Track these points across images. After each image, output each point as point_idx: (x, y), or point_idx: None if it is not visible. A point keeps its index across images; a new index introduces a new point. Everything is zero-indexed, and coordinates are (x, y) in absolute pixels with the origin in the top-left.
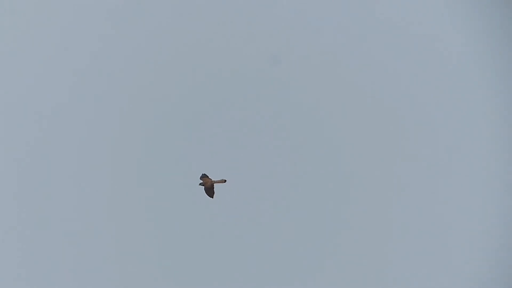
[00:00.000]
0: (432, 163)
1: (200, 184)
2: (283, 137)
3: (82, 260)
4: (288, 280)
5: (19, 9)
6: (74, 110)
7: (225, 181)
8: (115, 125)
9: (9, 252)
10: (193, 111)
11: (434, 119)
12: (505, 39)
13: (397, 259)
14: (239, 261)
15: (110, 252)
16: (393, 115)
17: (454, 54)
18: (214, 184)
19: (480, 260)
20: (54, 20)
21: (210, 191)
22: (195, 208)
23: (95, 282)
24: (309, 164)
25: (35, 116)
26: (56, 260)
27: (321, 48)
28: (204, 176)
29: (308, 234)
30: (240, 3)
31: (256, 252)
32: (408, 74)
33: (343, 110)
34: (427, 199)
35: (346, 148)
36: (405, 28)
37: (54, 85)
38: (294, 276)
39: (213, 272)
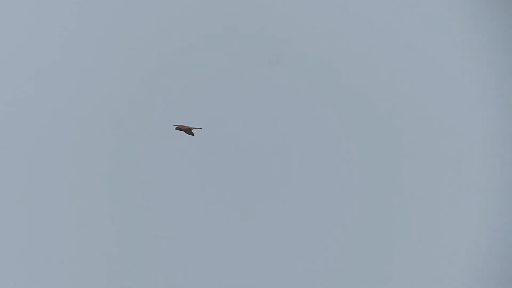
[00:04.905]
0: (434, 164)
1: (176, 128)
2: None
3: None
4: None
5: None
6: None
7: (201, 128)
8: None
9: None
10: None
11: (432, 120)
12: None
13: (398, 259)
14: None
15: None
16: (393, 115)
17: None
18: (192, 130)
19: (480, 259)
20: None
21: (188, 132)
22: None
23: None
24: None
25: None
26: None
27: (321, 48)
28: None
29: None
30: (240, 3)
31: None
32: (408, 74)
33: (342, 109)
34: (429, 200)
35: (344, 148)
36: (405, 28)
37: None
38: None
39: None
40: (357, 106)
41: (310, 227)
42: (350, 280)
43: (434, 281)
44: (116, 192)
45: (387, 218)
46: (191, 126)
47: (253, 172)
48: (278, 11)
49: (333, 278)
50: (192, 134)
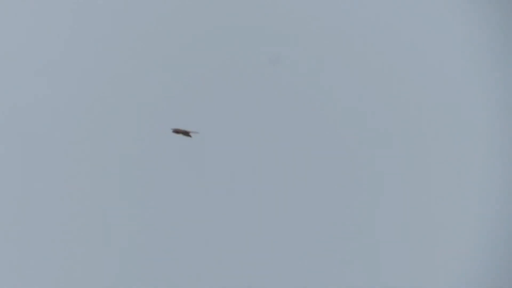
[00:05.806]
0: (434, 164)
1: (173, 131)
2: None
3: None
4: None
5: None
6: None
7: (198, 132)
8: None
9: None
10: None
11: (432, 120)
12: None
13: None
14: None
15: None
16: (393, 115)
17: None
18: (189, 133)
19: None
20: None
21: (186, 134)
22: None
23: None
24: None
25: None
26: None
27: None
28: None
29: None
30: (240, 2)
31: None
32: (409, 74)
33: (343, 108)
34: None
35: (344, 146)
36: (405, 28)
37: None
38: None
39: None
40: (357, 106)
41: (310, 227)
42: (350, 280)
43: (434, 281)
44: (113, 193)
45: (387, 218)
46: (187, 129)
47: (253, 172)
48: (278, 11)
49: (332, 277)
50: (190, 137)
